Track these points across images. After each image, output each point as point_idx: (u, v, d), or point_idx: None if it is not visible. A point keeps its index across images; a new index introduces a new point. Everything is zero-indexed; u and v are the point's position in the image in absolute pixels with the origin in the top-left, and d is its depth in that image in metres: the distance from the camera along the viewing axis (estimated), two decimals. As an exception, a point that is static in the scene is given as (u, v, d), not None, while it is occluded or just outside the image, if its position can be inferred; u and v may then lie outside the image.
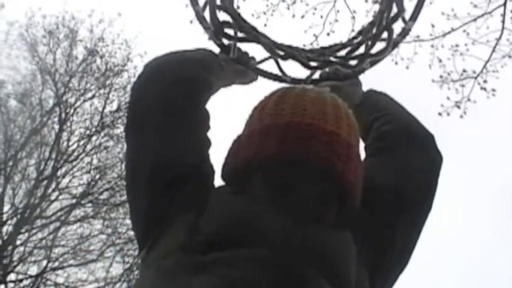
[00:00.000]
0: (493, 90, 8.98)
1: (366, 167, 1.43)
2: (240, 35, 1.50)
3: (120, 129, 14.09)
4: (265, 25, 9.34)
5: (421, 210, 1.50)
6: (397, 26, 1.52)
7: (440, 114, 9.06)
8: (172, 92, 1.44)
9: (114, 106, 14.68)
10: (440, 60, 9.27)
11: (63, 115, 14.53)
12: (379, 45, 1.51)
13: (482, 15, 8.72)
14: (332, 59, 1.58)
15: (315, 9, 9.33)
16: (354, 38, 1.67)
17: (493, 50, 8.82)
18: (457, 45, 9.10)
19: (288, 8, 9.53)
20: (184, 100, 1.45)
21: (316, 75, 1.60)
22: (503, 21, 8.64)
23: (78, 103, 14.81)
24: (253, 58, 1.62)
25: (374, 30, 1.59)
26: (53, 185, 13.94)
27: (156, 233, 1.28)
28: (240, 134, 1.42)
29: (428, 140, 1.59)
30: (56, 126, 14.57)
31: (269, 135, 1.31)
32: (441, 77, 9.23)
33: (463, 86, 9.07)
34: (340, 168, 1.28)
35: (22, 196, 13.66)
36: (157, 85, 1.46)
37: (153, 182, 1.35)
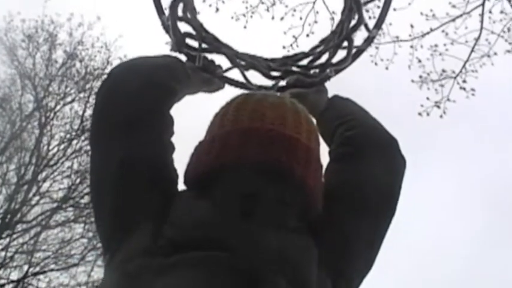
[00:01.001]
0: (473, 89, 9.07)
1: (329, 171, 1.46)
2: (203, 45, 1.51)
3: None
4: (244, 27, 9.41)
5: (385, 213, 1.52)
6: (363, 34, 1.54)
7: (420, 114, 9.14)
8: (138, 97, 1.44)
9: (95, 110, 14.56)
10: (419, 61, 9.36)
11: (43, 119, 14.44)
12: (343, 54, 1.53)
13: (461, 15, 8.83)
14: (294, 68, 1.60)
15: (294, 10, 9.39)
16: (316, 47, 1.69)
17: (472, 50, 8.94)
18: (436, 46, 9.20)
19: (268, 10, 9.58)
20: (151, 105, 1.45)
21: (283, 83, 1.62)
22: (481, 21, 8.77)
23: (58, 107, 14.73)
24: (219, 66, 1.64)
25: (335, 40, 1.61)
26: (34, 190, 13.84)
27: (123, 234, 1.27)
28: (202, 140, 1.43)
29: (392, 145, 1.61)
30: (36, 131, 14.48)
31: (230, 141, 1.33)
32: (421, 77, 9.31)
33: (442, 86, 9.16)
34: (300, 172, 1.31)
35: (3, 201, 13.56)
36: (124, 90, 1.46)
37: (128, 178, 1.34)
